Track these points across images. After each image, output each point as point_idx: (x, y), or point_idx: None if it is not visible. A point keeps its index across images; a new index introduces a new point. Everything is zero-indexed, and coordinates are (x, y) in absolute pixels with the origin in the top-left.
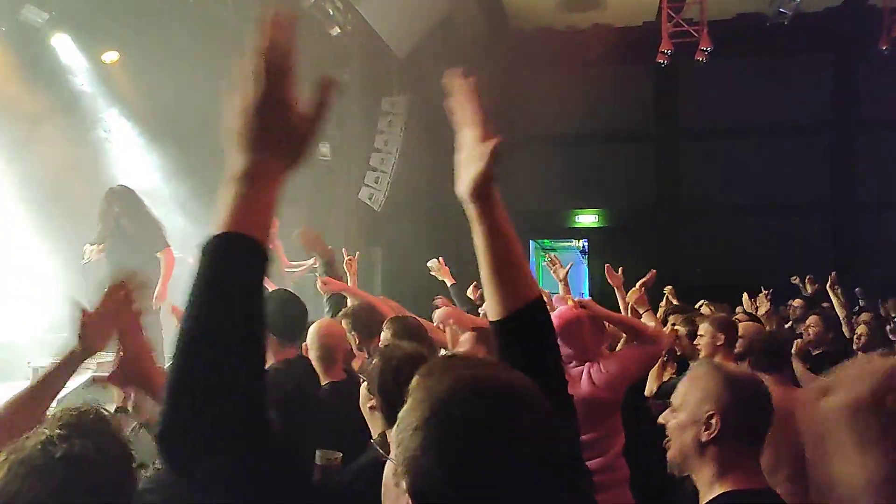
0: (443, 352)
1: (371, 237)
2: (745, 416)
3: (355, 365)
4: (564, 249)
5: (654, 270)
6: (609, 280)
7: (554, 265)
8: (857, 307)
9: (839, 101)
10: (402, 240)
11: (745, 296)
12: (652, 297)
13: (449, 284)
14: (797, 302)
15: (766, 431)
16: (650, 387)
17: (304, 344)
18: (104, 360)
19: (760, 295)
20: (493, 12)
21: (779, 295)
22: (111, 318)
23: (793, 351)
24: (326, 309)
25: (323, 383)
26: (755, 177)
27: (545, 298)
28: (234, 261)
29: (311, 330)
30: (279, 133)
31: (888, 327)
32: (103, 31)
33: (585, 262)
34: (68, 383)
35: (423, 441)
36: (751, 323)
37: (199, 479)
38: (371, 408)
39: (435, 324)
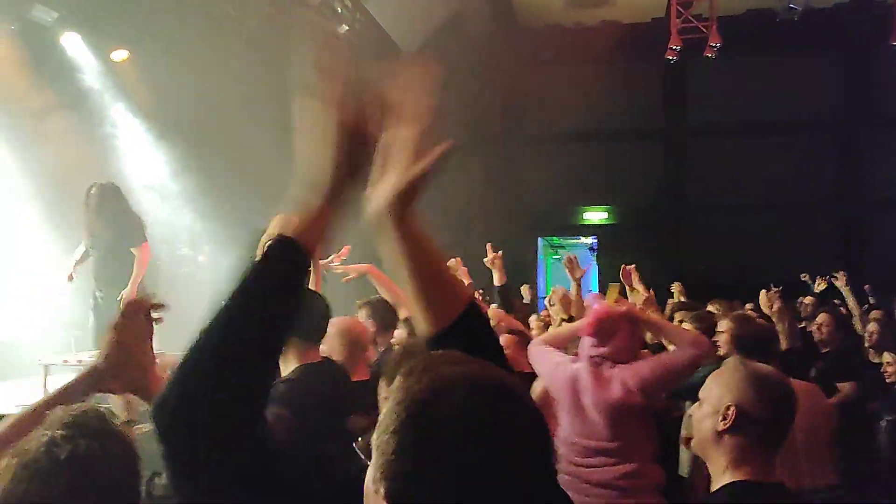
0: None
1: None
2: (763, 412)
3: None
4: (573, 246)
5: (634, 265)
6: (624, 280)
7: (571, 265)
8: (866, 305)
9: (849, 97)
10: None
11: (762, 293)
12: (660, 296)
13: (465, 284)
14: (808, 299)
15: (787, 429)
16: None
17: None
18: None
19: (771, 293)
20: (502, 9)
21: (787, 293)
22: (135, 339)
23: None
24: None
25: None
26: (764, 174)
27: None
28: (292, 267)
29: (333, 328)
30: (361, 160)
31: None
32: (112, 30)
33: (594, 259)
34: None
35: (399, 445)
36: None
37: (183, 458)
38: (385, 399)
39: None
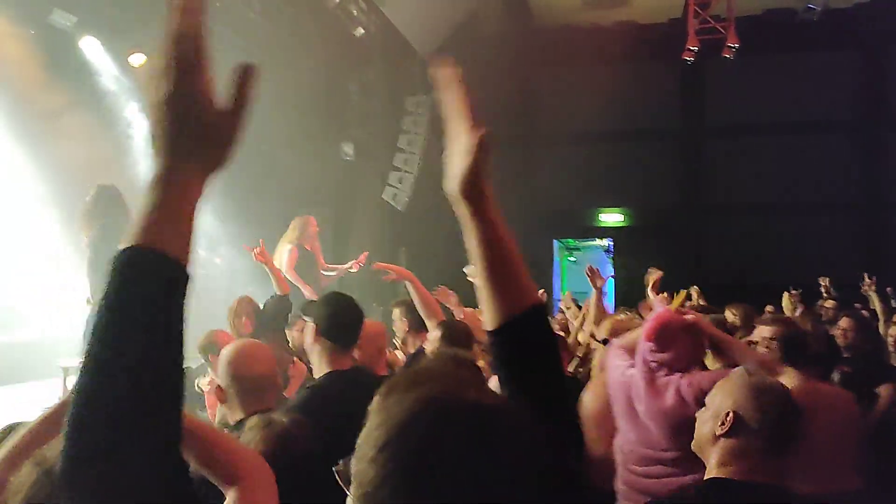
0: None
1: (395, 237)
2: (760, 421)
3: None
4: (588, 248)
5: (661, 272)
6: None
7: (592, 274)
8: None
9: (868, 97)
10: (426, 240)
11: (785, 295)
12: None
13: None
14: (829, 303)
15: (790, 436)
16: None
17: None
18: None
19: (793, 295)
20: (517, 10)
21: (807, 295)
22: None
23: None
24: None
25: None
26: (782, 175)
27: (544, 305)
28: (141, 279)
29: None
30: (193, 132)
31: None
32: (130, 34)
33: (610, 261)
34: None
35: (377, 473)
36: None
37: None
38: None
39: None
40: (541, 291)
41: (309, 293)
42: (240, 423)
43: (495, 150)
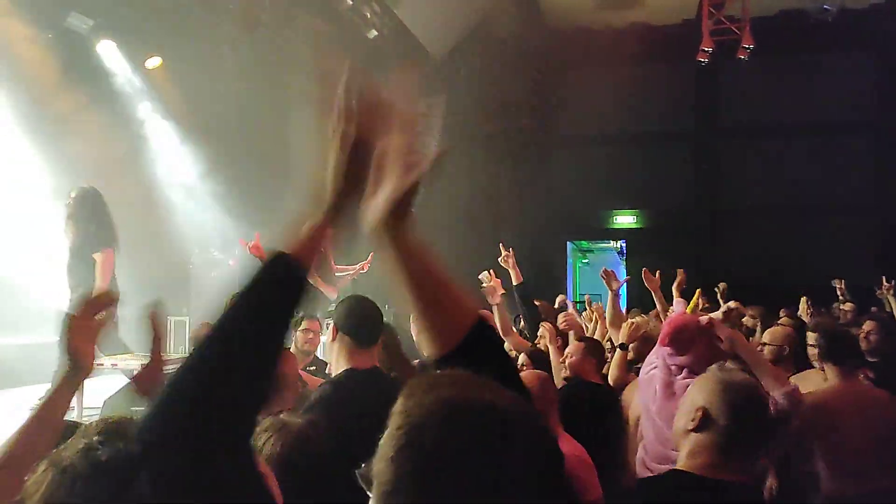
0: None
1: None
2: (726, 416)
3: None
4: (601, 251)
5: (684, 271)
6: (646, 284)
7: (608, 277)
8: None
9: (883, 98)
10: (439, 242)
11: (803, 300)
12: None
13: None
14: (847, 306)
15: (754, 432)
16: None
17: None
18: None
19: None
20: (529, 12)
21: (824, 297)
22: (94, 331)
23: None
24: None
25: None
26: (796, 176)
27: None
28: (287, 285)
29: None
30: (362, 178)
31: None
32: (146, 37)
33: (623, 263)
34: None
35: (396, 473)
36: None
37: (166, 478)
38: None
39: (560, 323)
40: (559, 297)
41: (331, 293)
42: None
43: (509, 154)
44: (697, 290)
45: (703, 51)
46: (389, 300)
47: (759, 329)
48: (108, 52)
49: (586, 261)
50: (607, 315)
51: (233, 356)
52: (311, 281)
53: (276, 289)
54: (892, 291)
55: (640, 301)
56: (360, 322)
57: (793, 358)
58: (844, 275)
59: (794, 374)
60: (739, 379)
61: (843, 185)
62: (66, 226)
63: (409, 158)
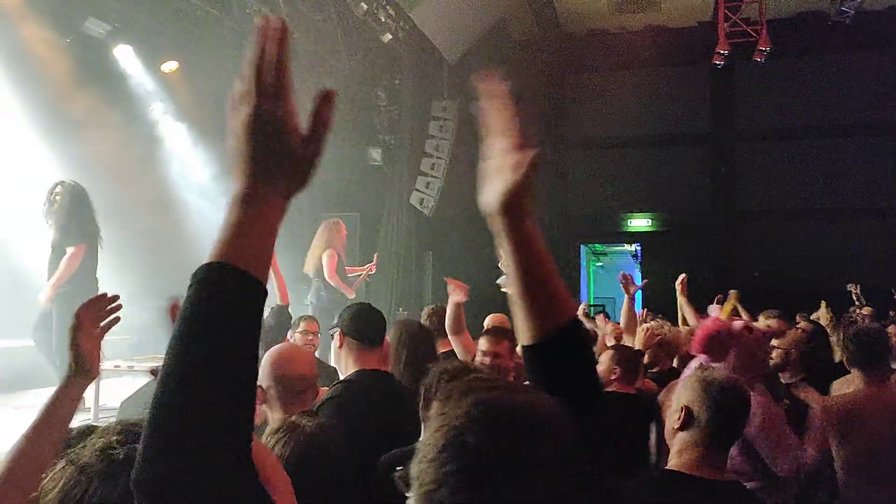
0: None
1: (422, 242)
2: (707, 413)
3: None
4: (616, 254)
5: (684, 275)
6: (679, 293)
7: (626, 282)
8: None
9: None
10: (453, 244)
11: (823, 304)
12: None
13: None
14: (866, 310)
15: (732, 430)
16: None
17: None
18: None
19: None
20: (544, 15)
21: (840, 302)
22: (100, 334)
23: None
24: None
25: None
26: (814, 179)
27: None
28: (219, 293)
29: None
30: (276, 155)
31: None
32: (162, 42)
33: (638, 266)
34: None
35: (436, 474)
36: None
37: None
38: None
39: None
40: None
41: (349, 293)
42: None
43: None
44: (732, 294)
45: (720, 53)
46: (401, 304)
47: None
48: (125, 56)
49: (600, 264)
50: (621, 320)
51: (200, 379)
52: (257, 280)
53: (212, 302)
54: None
55: (655, 306)
56: (364, 324)
57: (799, 362)
58: (863, 278)
59: (805, 378)
60: (719, 376)
61: (861, 188)
62: (47, 220)
63: (517, 156)
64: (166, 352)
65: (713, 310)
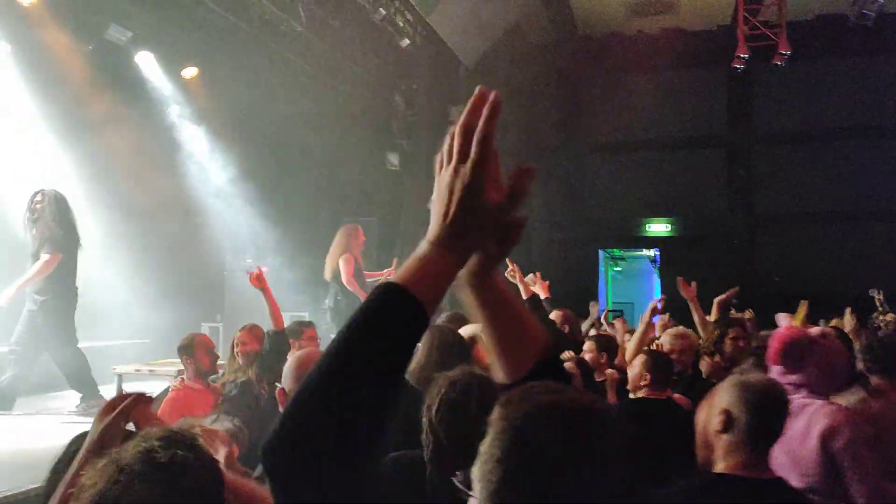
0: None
1: None
2: (745, 415)
3: None
4: (634, 259)
5: (737, 287)
6: (682, 293)
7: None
8: None
9: None
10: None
11: (848, 311)
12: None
13: (542, 298)
14: (890, 316)
15: (773, 432)
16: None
17: None
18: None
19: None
20: (561, 19)
21: (862, 307)
22: (122, 431)
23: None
24: None
25: None
26: (834, 183)
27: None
28: (397, 314)
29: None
30: (474, 215)
31: None
32: (183, 48)
33: (656, 271)
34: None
35: (505, 473)
36: None
37: (291, 498)
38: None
39: (665, 341)
40: (591, 303)
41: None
42: None
43: (541, 161)
44: (804, 302)
45: (739, 57)
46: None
47: None
48: (146, 63)
49: (619, 269)
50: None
51: (350, 382)
52: (426, 313)
53: (386, 318)
54: None
55: (675, 310)
56: None
57: None
58: (883, 283)
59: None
60: (756, 381)
61: (883, 191)
62: (29, 228)
63: (516, 221)
64: (331, 345)
65: (782, 318)
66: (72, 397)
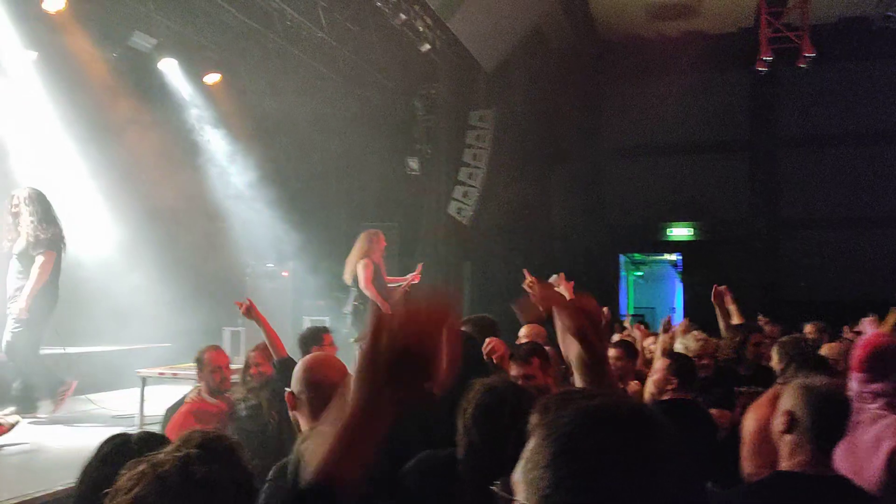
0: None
1: (460, 251)
2: (808, 417)
3: None
4: (656, 263)
5: (725, 287)
6: (724, 303)
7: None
8: None
9: None
10: (491, 254)
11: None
12: (749, 316)
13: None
14: None
15: (836, 431)
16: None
17: None
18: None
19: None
20: (581, 23)
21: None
22: None
23: None
24: None
25: None
26: (857, 187)
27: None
28: None
29: None
30: (406, 374)
31: None
32: (206, 54)
33: (679, 276)
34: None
35: (554, 478)
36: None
37: None
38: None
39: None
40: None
41: (385, 307)
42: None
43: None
44: (894, 308)
45: (763, 60)
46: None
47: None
48: (169, 69)
49: (640, 273)
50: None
51: None
52: None
53: None
54: None
55: (698, 315)
56: None
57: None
58: None
59: None
60: (819, 383)
61: None
62: (13, 227)
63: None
64: None
65: (868, 324)
66: (102, 399)
